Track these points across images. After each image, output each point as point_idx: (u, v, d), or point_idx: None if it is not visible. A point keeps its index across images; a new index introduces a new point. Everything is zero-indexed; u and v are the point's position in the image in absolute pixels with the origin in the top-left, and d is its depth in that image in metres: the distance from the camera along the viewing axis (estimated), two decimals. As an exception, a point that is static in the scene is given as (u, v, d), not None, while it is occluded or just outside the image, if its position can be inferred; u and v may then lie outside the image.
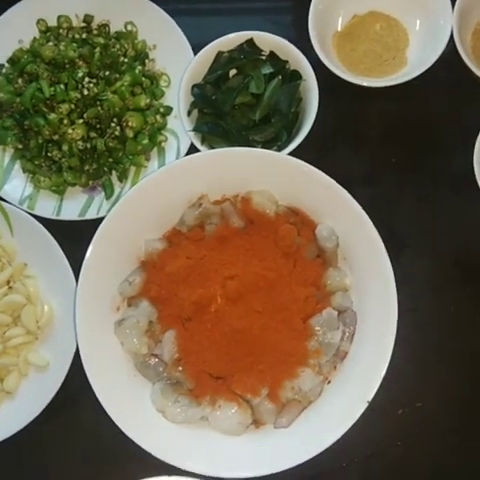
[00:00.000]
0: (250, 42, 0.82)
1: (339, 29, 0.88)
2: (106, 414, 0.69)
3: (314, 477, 0.75)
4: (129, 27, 0.88)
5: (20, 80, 0.84)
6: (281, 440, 0.71)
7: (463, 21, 0.81)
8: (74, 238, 0.77)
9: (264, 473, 0.68)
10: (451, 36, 0.80)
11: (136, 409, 0.71)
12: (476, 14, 0.85)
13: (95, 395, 0.69)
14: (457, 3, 0.80)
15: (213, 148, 0.80)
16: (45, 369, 0.80)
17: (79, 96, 0.81)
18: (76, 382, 0.75)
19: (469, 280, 0.83)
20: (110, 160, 0.84)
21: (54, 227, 0.80)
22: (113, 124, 0.82)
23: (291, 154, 0.77)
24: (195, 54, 0.83)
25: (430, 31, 0.84)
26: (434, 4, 0.82)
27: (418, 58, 0.84)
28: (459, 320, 0.81)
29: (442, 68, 0.81)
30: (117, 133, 0.83)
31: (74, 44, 0.84)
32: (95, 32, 0.87)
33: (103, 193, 0.84)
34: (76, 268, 0.75)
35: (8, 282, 0.81)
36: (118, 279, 0.75)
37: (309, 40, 0.81)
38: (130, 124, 0.83)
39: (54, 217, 0.83)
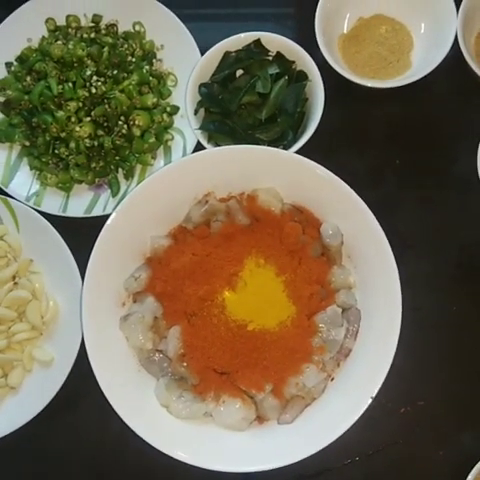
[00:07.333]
0: (257, 42, 0.83)
1: (345, 31, 0.89)
2: (110, 409, 0.69)
3: (316, 474, 0.75)
4: (137, 27, 0.89)
5: (28, 78, 0.84)
6: (284, 436, 0.71)
7: (467, 24, 0.82)
8: (80, 235, 0.78)
9: (267, 468, 0.68)
10: (455, 39, 0.81)
11: (141, 404, 0.72)
12: (480, 18, 0.86)
13: (98, 391, 0.69)
14: (461, 7, 0.81)
15: (219, 146, 0.80)
16: (49, 364, 0.80)
17: (87, 94, 0.82)
18: (80, 378, 0.75)
19: (471, 280, 0.83)
20: (117, 158, 0.85)
21: (60, 224, 0.81)
22: (120, 122, 0.83)
23: (296, 153, 0.77)
24: (202, 55, 0.84)
25: (434, 34, 0.85)
26: (439, 8, 0.84)
27: (422, 61, 0.85)
28: (461, 319, 0.82)
29: (446, 71, 0.82)
30: (124, 131, 0.83)
31: (83, 43, 0.84)
32: (103, 32, 0.88)
33: (109, 191, 0.85)
34: (81, 264, 0.76)
35: (14, 278, 0.82)
36: (124, 275, 0.76)
37: (315, 42, 0.82)
38: (137, 123, 0.83)
39: (60, 214, 0.84)
